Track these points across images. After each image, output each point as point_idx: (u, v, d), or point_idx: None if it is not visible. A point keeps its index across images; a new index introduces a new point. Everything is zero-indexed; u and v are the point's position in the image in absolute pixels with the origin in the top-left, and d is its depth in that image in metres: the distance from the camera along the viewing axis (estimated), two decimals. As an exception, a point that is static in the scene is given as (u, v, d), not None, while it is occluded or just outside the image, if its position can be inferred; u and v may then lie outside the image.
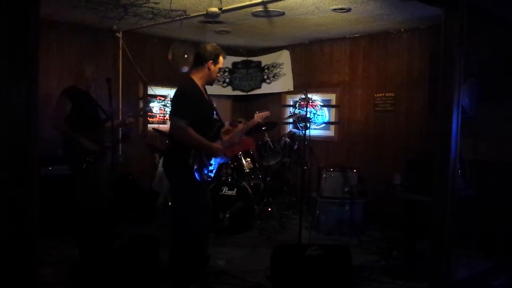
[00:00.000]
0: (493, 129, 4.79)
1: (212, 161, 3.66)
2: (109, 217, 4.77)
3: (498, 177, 4.68)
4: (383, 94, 5.84)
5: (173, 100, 3.56)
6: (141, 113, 6.14)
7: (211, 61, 3.51)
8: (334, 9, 4.74)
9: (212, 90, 7.05)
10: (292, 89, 6.82)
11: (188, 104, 3.43)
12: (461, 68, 3.60)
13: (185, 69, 6.42)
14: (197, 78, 3.55)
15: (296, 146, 6.03)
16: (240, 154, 5.61)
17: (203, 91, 3.63)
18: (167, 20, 5.19)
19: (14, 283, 2.07)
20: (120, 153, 5.96)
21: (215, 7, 4.66)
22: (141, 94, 6.35)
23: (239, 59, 7.18)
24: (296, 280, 3.59)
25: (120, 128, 5.64)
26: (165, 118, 6.74)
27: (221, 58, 3.57)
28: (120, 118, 5.46)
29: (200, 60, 3.53)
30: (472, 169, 4.45)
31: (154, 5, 4.66)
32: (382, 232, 5.26)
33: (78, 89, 4.60)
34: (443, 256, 3.58)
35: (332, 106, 6.47)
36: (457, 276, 3.71)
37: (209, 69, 3.53)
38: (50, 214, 4.83)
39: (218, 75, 3.66)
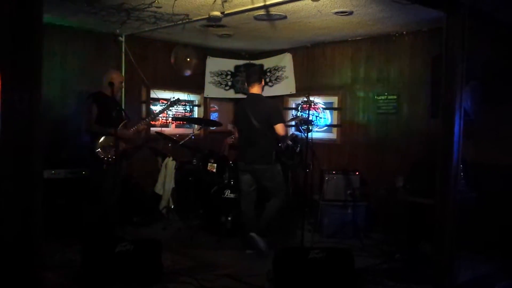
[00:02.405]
0: (495, 132, 4.78)
1: None
2: (112, 220, 4.80)
3: (501, 179, 4.67)
4: (385, 97, 5.84)
5: (276, 110, 4.61)
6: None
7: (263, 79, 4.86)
8: (336, 12, 4.75)
9: (214, 93, 7.13)
10: (294, 92, 6.83)
11: None
12: (463, 71, 3.61)
13: (188, 72, 6.44)
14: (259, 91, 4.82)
15: (298, 149, 6.01)
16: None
17: None
18: (170, 24, 5.21)
19: (18, 286, 2.08)
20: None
21: (217, 11, 4.67)
22: (144, 97, 6.37)
23: (241, 62, 7.20)
24: (299, 283, 3.59)
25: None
26: (167, 121, 6.76)
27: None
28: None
29: (260, 77, 4.81)
30: (475, 172, 4.45)
31: (156, 10, 4.68)
32: (384, 235, 5.25)
33: (104, 94, 4.78)
34: (446, 259, 3.58)
35: (334, 109, 6.47)
36: (460, 278, 3.71)
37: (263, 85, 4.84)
38: (52, 217, 4.84)
39: None
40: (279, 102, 7.11)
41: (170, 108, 5.28)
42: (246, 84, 4.94)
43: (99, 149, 4.62)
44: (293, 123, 6.36)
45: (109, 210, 4.73)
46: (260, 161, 4.62)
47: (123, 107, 6.00)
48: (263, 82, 4.87)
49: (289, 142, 5.65)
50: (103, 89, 4.79)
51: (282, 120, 4.56)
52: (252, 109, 4.63)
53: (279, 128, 4.53)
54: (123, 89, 5.11)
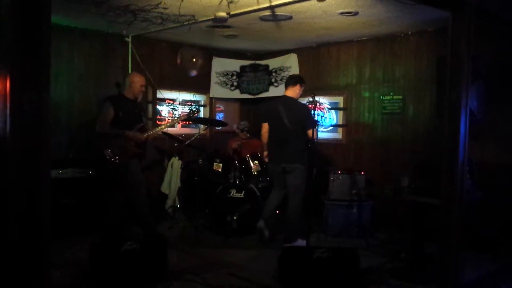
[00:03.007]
0: (501, 132, 4.77)
1: None
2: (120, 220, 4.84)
3: (507, 179, 4.66)
4: (391, 97, 5.84)
5: (310, 115, 4.59)
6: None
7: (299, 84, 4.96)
8: (341, 13, 4.76)
9: (220, 93, 7.15)
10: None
11: None
12: (468, 70, 3.60)
13: (194, 73, 6.47)
14: (295, 95, 4.99)
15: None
16: (248, 157, 5.64)
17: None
18: (176, 25, 5.24)
19: (26, 285, 2.11)
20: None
21: (223, 11, 4.70)
22: (150, 97, 6.41)
23: (247, 62, 7.22)
24: (304, 282, 3.60)
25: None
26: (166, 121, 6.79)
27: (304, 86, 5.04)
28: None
29: (296, 82, 4.96)
30: (481, 172, 4.43)
31: (163, 10, 4.72)
32: (390, 235, 5.25)
33: (125, 97, 4.78)
34: (451, 259, 3.57)
35: (340, 109, 6.48)
36: (465, 278, 3.70)
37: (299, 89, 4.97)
38: (59, 216, 4.89)
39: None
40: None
41: (191, 115, 5.27)
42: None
43: (108, 150, 4.61)
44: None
45: (116, 208, 4.75)
46: (292, 160, 4.75)
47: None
48: (298, 86, 4.95)
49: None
50: (124, 91, 4.79)
51: (315, 125, 4.66)
52: (286, 110, 4.82)
53: (311, 132, 4.66)
54: (142, 92, 4.97)
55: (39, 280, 2.16)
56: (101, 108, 4.78)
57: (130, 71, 6.02)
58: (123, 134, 4.60)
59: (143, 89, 4.94)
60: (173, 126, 5.91)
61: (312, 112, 4.55)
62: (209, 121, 6.70)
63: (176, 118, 5.36)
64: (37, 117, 2.06)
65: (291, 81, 5.01)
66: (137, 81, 4.82)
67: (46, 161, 2.12)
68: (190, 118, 5.79)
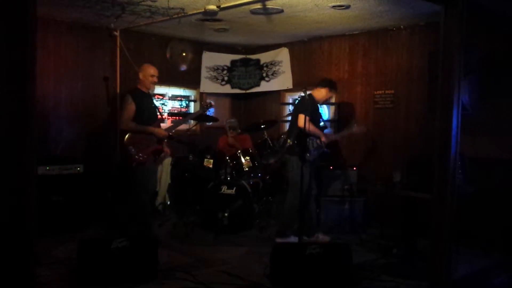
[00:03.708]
0: (493, 126, 4.76)
1: None
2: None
3: (498, 174, 4.66)
4: (383, 91, 5.82)
5: (296, 103, 4.75)
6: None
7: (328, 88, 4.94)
8: (333, 6, 4.71)
9: (210, 88, 7.08)
10: (291, 87, 6.79)
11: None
12: (460, 65, 3.58)
13: (183, 67, 6.39)
14: (317, 95, 4.96)
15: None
16: (239, 153, 5.59)
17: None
18: (165, 18, 5.16)
19: (10, 283, 2.05)
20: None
21: (213, 4, 4.63)
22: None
23: (237, 57, 7.15)
24: (296, 278, 3.57)
25: None
26: (163, 116, 6.71)
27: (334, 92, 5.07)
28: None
29: (321, 84, 4.97)
30: (472, 167, 4.43)
31: (151, 3, 4.64)
32: (382, 230, 5.24)
33: (141, 90, 4.67)
34: (443, 254, 3.56)
35: (332, 104, 6.44)
36: (457, 273, 3.70)
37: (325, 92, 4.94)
38: (47, 214, 4.81)
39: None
40: (276, 97, 7.10)
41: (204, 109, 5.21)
42: None
43: (130, 147, 4.45)
44: (290, 118, 6.32)
45: (143, 209, 4.61)
46: (287, 151, 4.91)
47: (117, 102, 5.96)
48: (323, 89, 4.94)
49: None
50: (139, 85, 4.68)
51: (295, 110, 4.90)
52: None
53: (300, 121, 4.70)
54: (155, 83, 4.74)
55: (25, 278, 2.10)
56: (123, 104, 4.61)
57: (118, 66, 5.93)
58: (148, 130, 4.50)
59: (155, 80, 4.72)
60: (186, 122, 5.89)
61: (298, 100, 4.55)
62: (200, 117, 6.63)
63: (192, 115, 5.32)
64: (22, 111, 2.00)
65: (320, 82, 5.03)
66: (148, 72, 4.65)
67: (31, 157, 2.06)
68: (203, 117, 5.69)
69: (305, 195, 4.70)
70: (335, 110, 6.39)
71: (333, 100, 6.06)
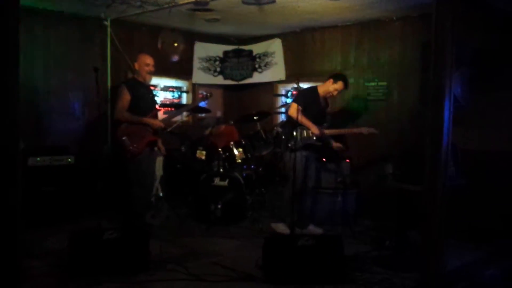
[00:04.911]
0: (485, 118, 4.77)
1: None
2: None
3: (490, 166, 4.68)
4: (375, 83, 5.80)
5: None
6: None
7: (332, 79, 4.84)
8: (326, -3, 4.68)
9: (203, 79, 7.02)
10: (284, 78, 6.76)
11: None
12: (452, 57, 3.56)
13: (175, 58, 6.32)
14: (320, 87, 4.93)
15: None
16: (232, 144, 5.56)
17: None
18: (156, 8, 5.10)
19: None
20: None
21: (204, -6, 4.58)
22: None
23: (230, 47, 7.10)
24: (288, 270, 3.57)
25: None
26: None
27: (340, 83, 4.81)
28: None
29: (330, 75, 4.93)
30: (464, 158, 4.44)
31: (142, -7, 4.57)
32: (374, 222, 5.26)
33: (137, 81, 4.61)
34: (434, 246, 3.57)
35: (324, 96, 6.41)
36: (448, 266, 3.71)
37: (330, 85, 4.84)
38: (38, 205, 4.77)
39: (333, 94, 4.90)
40: (269, 88, 7.06)
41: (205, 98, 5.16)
42: None
43: (125, 137, 4.43)
44: (283, 110, 6.31)
45: (135, 201, 4.60)
46: None
47: (108, 93, 5.91)
48: (328, 81, 4.88)
49: (279, 129, 5.57)
50: (136, 75, 4.63)
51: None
52: None
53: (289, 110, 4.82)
54: (151, 72, 4.70)
55: (12, 269, 2.08)
56: (117, 94, 4.58)
57: (109, 56, 5.86)
58: (143, 121, 4.45)
59: (151, 69, 4.66)
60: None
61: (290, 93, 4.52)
62: (192, 108, 6.58)
63: (188, 105, 5.28)
64: (4, 102, 1.96)
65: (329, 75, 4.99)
66: (143, 62, 4.61)
67: (15, 147, 2.02)
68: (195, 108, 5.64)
69: (299, 186, 4.71)
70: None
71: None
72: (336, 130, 4.98)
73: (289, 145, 4.69)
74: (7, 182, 2.00)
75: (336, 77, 4.87)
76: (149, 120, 4.53)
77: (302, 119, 4.61)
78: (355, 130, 4.97)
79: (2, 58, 1.96)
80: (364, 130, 4.87)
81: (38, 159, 4.94)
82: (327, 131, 4.87)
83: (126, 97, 4.46)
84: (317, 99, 4.91)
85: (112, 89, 5.95)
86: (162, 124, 4.65)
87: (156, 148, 4.76)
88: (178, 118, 6.33)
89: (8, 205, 2.01)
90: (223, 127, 6.24)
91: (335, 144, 4.96)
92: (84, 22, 5.70)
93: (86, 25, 5.73)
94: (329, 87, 4.86)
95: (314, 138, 4.79)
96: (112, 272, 3.55)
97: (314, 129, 4.75)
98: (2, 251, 2.02)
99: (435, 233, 3.55)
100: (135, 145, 4.43)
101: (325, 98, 4.99)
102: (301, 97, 4.74)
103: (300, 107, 4.53)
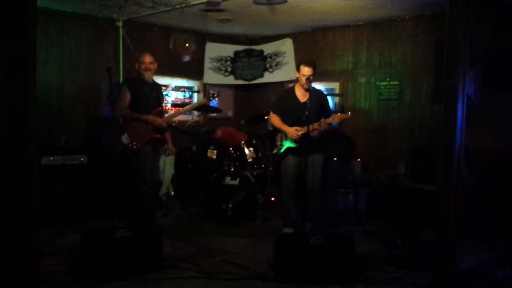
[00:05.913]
0: (499, 118, 4.72)
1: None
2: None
3: (503, 166, 4.63)
4: (387, 82, 5.78)
5: None
6: None
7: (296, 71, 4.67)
8: (337, -4, 4.67)
9: (214, 79, 7.05)
10: (294, 78, 6.72)
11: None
12: (466, 55, 3.53)
13: (186, 58, 6.36)
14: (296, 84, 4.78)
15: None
16: (242, 144, 5.57)
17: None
18: (168, 8, 5.13)
19: (15, 272, 2.05)
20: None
21: (216, -6, 4.59)
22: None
23: (241, 48, 7.12)
24: (300, 269, 3.57)
25: None
26: (166, 107, 6.70)
27: (302, 67, 4.55)
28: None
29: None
30: (477, 158, 4.40)
31: (154, -7, 4.61)
32: (386, 222, 5.23)
33: (139, 79, 4.63)
34: (447, 246, 3.55)
35: (336, 95, 6.41)
36: (461, 265, 3.68)
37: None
38: (51, 204, 4.82)
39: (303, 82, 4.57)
40: (279, 88, 7.06)
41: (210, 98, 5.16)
42: None
43: (125, 135, 4.46)
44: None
45: (142, 199, 4.59)
46: None
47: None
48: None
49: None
50: (138, 74, 4.65)
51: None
52: None
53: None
54: (148, 70, 4.61)
55: (29, 268, 2.11)
56: (119, 92, 4.63)
57: (121, 56, 5.91)
58: (142, 118, 4.48)
59: (148, 66, 4.61)
60: (189, 111, 5.78)
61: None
62: (203, 108, 6.61)
63: (192, 105, 5.31)
64: (22, 103, 1.99)
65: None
66: (141, 60, 4.63)
67: (33, 149, 2.05)
68: (205, 107, 5.65)
69: (288, 191, 4.75)
70: (339, 101, 6.36)
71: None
72: (311, 126, 4.46)
73: (273, 152, 4.84)
74: (26, 182, 2.03)
75: (297, 66, 4.65)
76: (148, 118, 4.54)
77: (281, 125, 4.64)
78: (329, 119, 4.58)
79: (20, 61, 1.99)
80: (337, 117, 4.55)
81: (51, 158, 4.99)
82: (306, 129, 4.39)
83: (126, 95, 4.52)
84: (292, 96, 4.69)
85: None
86: (161, 121, 4.66)
87: (165, 147, 4.77)
88: (189, 117, 6.37)
89: (28, 205, 2.04)
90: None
91: (313, 133, 4.60)
92: (96, 22, 5.76)
93: (99, 25, 5.79)
94: (300, 79, 4.60)
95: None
96: (125, 270, 3.58)
97: (290, 134, 4.57)
98: (21, 250, 2.05)
99: (448, 232, 3.53)
100: (134, 143, 4.46)
101: (306, 92, 4.60)
102: (278, 104, 4.80)
103: (277, 115, 4.68)
